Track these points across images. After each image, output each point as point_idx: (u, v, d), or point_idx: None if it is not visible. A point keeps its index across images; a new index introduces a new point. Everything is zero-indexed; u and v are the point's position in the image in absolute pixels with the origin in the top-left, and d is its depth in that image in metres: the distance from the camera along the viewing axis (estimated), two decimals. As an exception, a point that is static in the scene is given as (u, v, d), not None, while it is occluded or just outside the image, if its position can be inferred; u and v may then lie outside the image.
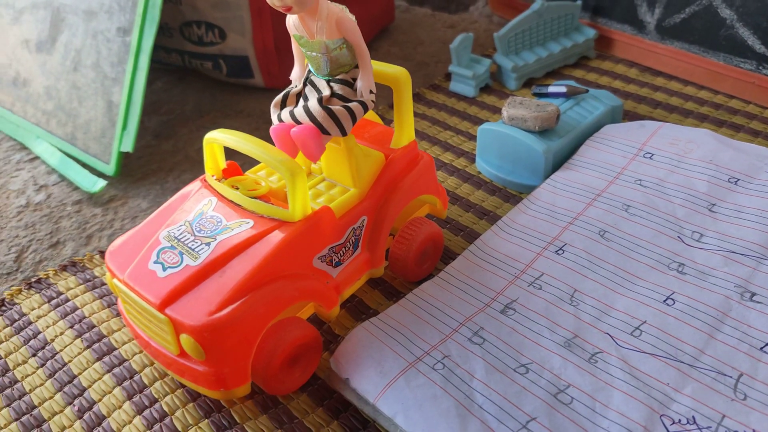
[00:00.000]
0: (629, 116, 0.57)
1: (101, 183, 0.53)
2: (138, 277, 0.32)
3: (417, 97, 0.63)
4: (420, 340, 0.35)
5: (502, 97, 0.61)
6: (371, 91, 0.35)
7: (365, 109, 0.34)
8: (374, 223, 0.38)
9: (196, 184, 0.37)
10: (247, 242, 0.33)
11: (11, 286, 0.45)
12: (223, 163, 0.37)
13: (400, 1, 0.83)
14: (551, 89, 0.53)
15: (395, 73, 0.38)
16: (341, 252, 0.36)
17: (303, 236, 0.33)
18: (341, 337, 0.38)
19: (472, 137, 0.56)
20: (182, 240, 0.33)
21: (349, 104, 0.34)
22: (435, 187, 0.42)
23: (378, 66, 0.38)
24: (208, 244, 0.33)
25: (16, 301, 0.43)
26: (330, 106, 0.34)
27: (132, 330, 0.35)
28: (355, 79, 0.35)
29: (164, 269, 0.32)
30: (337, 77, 0.34)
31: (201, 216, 0.35)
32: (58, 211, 0.52)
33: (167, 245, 0.33)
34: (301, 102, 0.35)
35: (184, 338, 0.30)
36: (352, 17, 0.32)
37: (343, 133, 0.34)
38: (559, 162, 0.49)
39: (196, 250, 0.33)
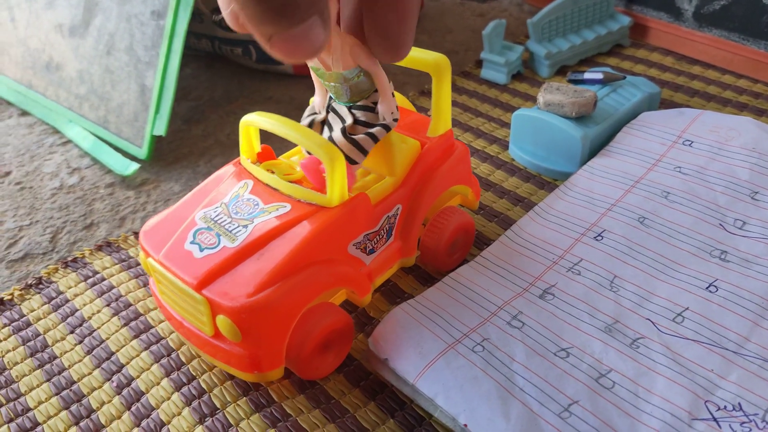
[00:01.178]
0: (665, 105, 0.56)
1: (134, 166, 0.53)
2: (174, 257, 0.32)
3: (448, 84, 0.63)
4: (458, 322, 0.35)
5: (534, 85, 0.61)
6: (394, 118, 0.35)
7: (388, 130, 0.34)
8: (408, 212, 0.38)
9: (230, 167, 0.37)
10: (285, 226, 0.32)
11: (47, 265, 0.45)
12: (258, 147, 0.37)
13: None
14: (587, 75, 0.52)
15: (435, 59, 0.37)
16: (375, 239, 0.36)
17: (340, 222, 0.33)
18: (376, 320, 0.38)
19: (504, 124, 0.56)
20: (219, 221, 0.33)
21: (372, 130, 0.34)
22: (469, 178, 0.42)
23: (416, 52, 0.37)
24: (245, 226, 0.33)
25: (53, 279, 0.43)
26: (354, 136, 0.34)
27: (164, 310, 0.35)
28: (376, 104, 0.34)
29: (201, 250, 0.32)
30: (359, 103, 0.34)
31: (237, 198, 0.35)
32: (92, 194, 0.52)
33: (204, 226, 0.33)
34: (326, 132, 0.35)
35: (221, 319, 0.30)
36: (366, 48, 0.31)
37: (365, 155, 0.34)
38: (595, 149, 0.48)
39: (234, 231, 0.32)
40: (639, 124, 0.49)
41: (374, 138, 0.34)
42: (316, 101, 0.37)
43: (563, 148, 0.48)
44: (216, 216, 0.34)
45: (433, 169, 0.38)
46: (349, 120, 0.34)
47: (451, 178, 0.40)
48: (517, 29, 0.71)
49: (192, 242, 0.33)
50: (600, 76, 0.52)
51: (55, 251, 0.47)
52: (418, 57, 0.37)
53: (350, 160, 0.34)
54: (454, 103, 0.59)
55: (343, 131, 0.34)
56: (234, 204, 0.34)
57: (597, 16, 0.64)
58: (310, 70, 0.34)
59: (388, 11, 0.29)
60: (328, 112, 0.36)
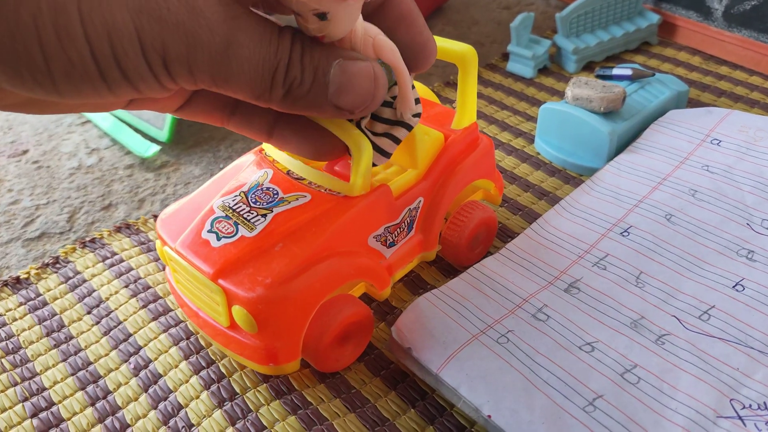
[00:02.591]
0: (692, 104, 0.55)
1: (155, 148, 0.53)
2: (191, 246, 0.32)
3: (472, 77, 0.62)
4: (483, 313, 0.34)
5: (560, 80, 0.60)
6: (414, 113, 0.31)
7: (409, 129, 0.32)
8: (430, 205, 0.37)
9: (251, 156, 0.37)
10: (305, 216, 0.32)
11: (64, 245, 0.45)
12: None
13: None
14: (615, 71, 0.51)
15: (462, 50, 0.36)
16: (396, 232, 0.36)
17: (361, 213, 0.33)
18: (398, 310, 0.38)
19: (530, 118, 0.55)
20: (237, 210, 0.32)
21: (392, 131, 0.31)
22: (492, 172, 0.41)
23: (443, 42, 0.36)
24: (264, 215, 0.32)
25: (71, 259, 0.43)
26: (372, 134, 0.31)
27: (178, 299, 0.35)
28: (395, 98, 0.31)
29: (218, 239, 0.31)
30: None
31: (257, 187, 0.34)
32: (110, 175, 0.52)
33: (222, 215, 0.32)
34: None
35: (237, 310, 0.30)
36: (389, 41, 0.29)
37: (388, 157, 0.32)
38: (622, 145, 0.48)
39: (252, 221, 0.32)
40: (667, 122, 0.49)
41: (395, 139, 0.32)
42: None
43: (590, 143, 0.47)
44: (234, 204, 0.33)
45: (456, 163, 0.38)
46: (366, 118, 0.32)
47: (474, 171, 0.39)
48: (543, 23, 0.70)
49: (209, 231, 0.32)
50: (629, 72, 0.51)
51: (72, 231, 0.46)
52: (445, 47, 0.36)
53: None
54: (480, 96, 0.58)
55: (357, 125, 0.31)
56: (253, 193, 0.33)
57: (625, 12, 0.63)
58: None
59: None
60: None
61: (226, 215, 0.32)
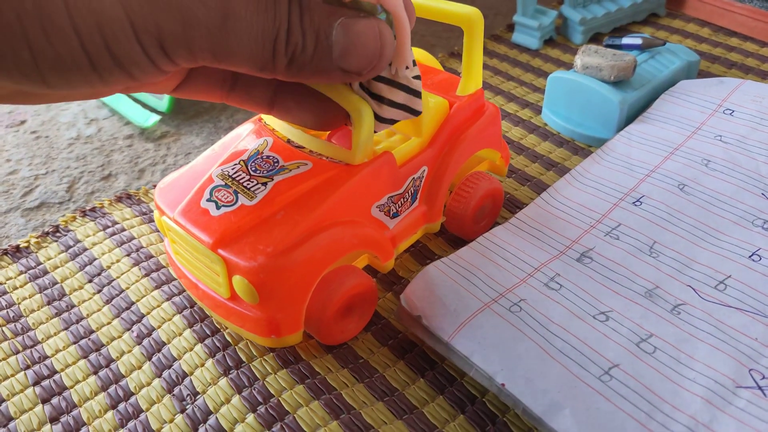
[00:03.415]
0: (702, 75, 0.54)
1: (155, 117, 0.52)
2: (190, 215, 0.30)
3: (478, 48, 0.61)
4: (494, 282, 0.33)
5: (566, 51, 0.59)
6: (408, 67, 0.28)
7: (412, 92, 0.29)
8: (434, 175, 0.36)
9: (249, 125, 0.35)
10: (307, 184, 0.31)
11: (64, 214, 0.44)
12: None
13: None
14: (625, 41, 0.50)
15: (468, 13, 0.35)
16: (400, 202, 0.35)
17: (364, 182, 0.32)
18: (405, 280, 0.37)
19: (536, 89, 0.54)
20: (237, 179, 0.31)
21: (389, 96, 0.29)
22: (499, 141, 0.40)
23: (447, 5, 0.35)
24: (264, 183, 0.31)
25: (71, 227, 0.42)
26: (370, 96, 0.29)
27: (177, 270, 0.34)
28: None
29: (218, 207, 0.30)
30: None
31: (257, 155, 0.33)
32: (110, 145, 0.51)
33: (221, 183, 0.31)
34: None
35: (237, 280, 0.29)
36: None
37: (390, 123, 0.31)
38: (632, 115, 0.47)
39: (252, 189, 0.31)
40: (678, 92, 0.48)
41: (394, 105, 0.29)
42: None
43: (600, 112, 0.46)
44: (234, 173, 0.32)
45: (461, 131, 0.37)
46: None
47: (480, 140, 0.38)
48: (547, -4, 0.69)
49: (209, 200, 0.31)
50: (639, 41, 0.50)
51: (71, 201, 0.45)
52: (449, 10, 0.35)
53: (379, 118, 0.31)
54: (485, 67, 0.57)
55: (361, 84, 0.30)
56: (253, 161, 0.32)
57: (633, -18, 0.62)
58: None
59: None
60: None
61: (226, 184, 0.31)
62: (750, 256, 0.35)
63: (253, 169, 0.32)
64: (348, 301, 0.32)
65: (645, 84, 0.47)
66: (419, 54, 0.41)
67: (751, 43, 0.58)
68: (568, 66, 0.57)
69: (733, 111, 0.45)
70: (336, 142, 0.35)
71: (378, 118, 0.30)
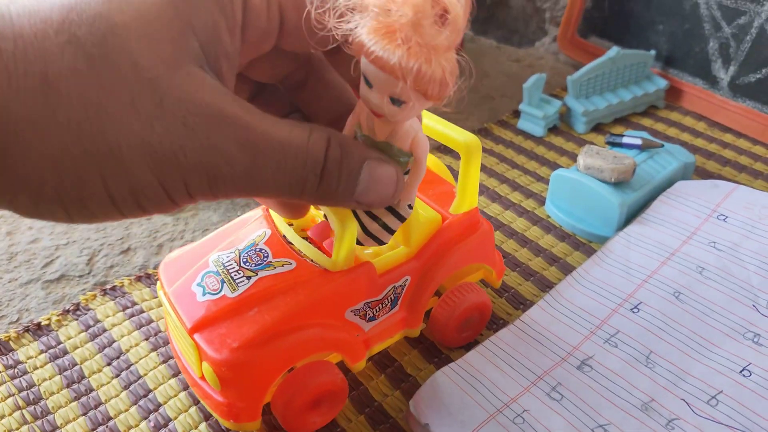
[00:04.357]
0: (698, 172, 0.57)
1: (173, 193, 0.53)
2: (180, 295, 0.34)
3: (485, 132, 0.63)
4: (499, 390, 0.35)
5: (569, 140, 0.62)
6: (409, 206, 0.31)
7: (402, 221, 0.32)
8: (418, 285, 0.37)
9: (258, 212, 0.38)
10: (286, 285, 0.33)
11: (84, 289, 0.46)
12: None
13: (467, 30, 0.83)
14: (626, 140, 0.53)
15: (466, 141, 0.36)
16: (377, 308, 0.36)
17: (340, 288, 0.33)
18: (412, 378, 0.38)
19: (540, 178, 0.56)
20: (228, 268, 0.34)
21: (385, 219, 0.31)
22: (491, 257, 0.40)
23: (448, 130, 0.36)
24: (249, 278, 0.33)
25: (91, 306, 0.43)
26: (367, 221, 0.32)
27: (170, 337, 0.37)
28: None
29: (203, 294, 0.33)
30: None
31: (252, 246, 0.35)
32: (129, 217, 0.53)
33: (213, 270, 0.34)
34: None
35: (205, 366, 0.32)
36: (426, 139, 0.29)
37: (381, 244, 0.33)
38: (631, 214, 0.49)
39: (237, 281, 0.33)
40: (675, 194, 0.50)
41: (389, 229, 0.32)
42: None
43: (601, 212, 0.48)
44: (227, 261, 0.34)
45: (450, 245, 0.37)
46: None
47: (470, 255, 0.39)
48: (552, 79, 0.72)
49: (198, 284, 0.34)
50: (638, 141, 0.53)
51: (91, 275, 0.47)
52: (449, 135, 0.36)
53: (359, 242, 0.33)
54: (491, 153, 0.60)
55: (356, 215, 0.32)
56: (246, 252, 0.35)
57: (634, 76, 0.64)
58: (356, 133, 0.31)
59: None
60: None
61: (217, 271, 0.34)
62: (741, 371, 0.37)
63: (244, 260, 0.34)
64: (316, 396, 0.34)
65: (644, 185, 0.50)
66: (430, 160, 0.43)
67: (745, 140, 0.61)
68: (571, 154, 0.59)
69: (727, 217, 0.48)
70: (314, 236, 0.36)
71: (367, 233, 0.32)
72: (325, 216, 0.35)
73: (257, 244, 0.35)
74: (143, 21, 0.22)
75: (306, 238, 0.36)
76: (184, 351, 0.34)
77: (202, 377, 0.33)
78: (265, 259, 0.34)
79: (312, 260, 0.34)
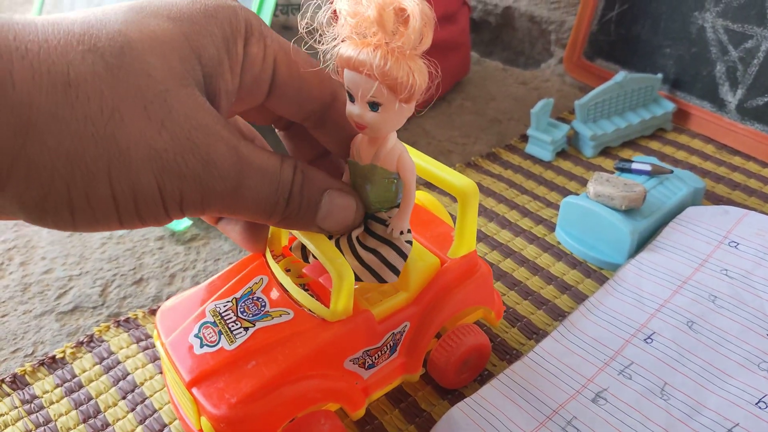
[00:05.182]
0: (707, 195, 0.57)
1: (187, 222, 0.54)
2: (177, 347, 0.33)
3: (493, 157, 0.64)
4: (515, 425, 0.35)
5: (577, 164, 0.62)
6: (402, 232, 0.32)
7: (401, 253, 0.32)
8: (417, 330, 0.37)
9: (253, 258, 0.38)
10: (283, 336, 0.33)
11: (98, 321, 0.46)
12: (285, 240, 0.38)
13: (473, 53, 0.84)
14: (635, 166, 0.53)
15: (462, 186, 0.35)
16: (376, 355, 0.36)
17: (338, 338, 0.33)
18: (426, 413, 0.38)
19: (549, 204, 0.57)
20: (225, 318, 0.34)
21: (380, 251, 0.32)
22: (490, 299, 0.40)
23: (445, 174, 0.36)
24: (246, 329, 0.33)
25: (105, 338, 0.44)
26: (363, 253, 0.32)
27: (167, 385, 0.37)
28: (391, 218, 0.32)
29: (201, 346, 0.33)
30: (375, 213, 0.32)
31: (249, 295, 0.35)
32: (141, 246, 0.53)
33: (210, 320, 0.34)
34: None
35: (204, 421, 0.31)
36: (412, 161, 0.31)
37: (382, 281, 0.33)
38: (642, 241, 0.49)
39: (234, 332, 0.33)
40: (685, 221, 0.50)
41: (387, 263, 0.32)
42: None
43: (611, 239, 0.49)
44: (224, 311, 0.34)
45: (449, 289, 0.37)
46: (360, 227, 0.33)
47: (469, 299, 0.38)
48: (558, 102, 0.72)
49: (195, 335, 0.34)
50: (648, 168, 0.53)
51: (105, 306, 0.47)
52: (447, 179, 0.35)
53: (357, 278, 0.32)
54: (500, 178, 0.60)
55: (349, 239, 0.32)
56: (243, 301, 0.35)
57: (642, 100, 0.65)
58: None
59: None
60: None
61: (214, 321, 0.34)
62: (756, 403, 0.37)
63: (241, 309, 0.34)
64: None
65: (654, 212, 0.50)
66: (426, 199, 0.43)
67: (754, 163, 0.61)
68: (580, 179, 0.59)
69: (738, 244, 0.48)
70: (309, 273, 0.36)
71: (364, 264, 0.32)
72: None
73: (254, 293, 0.35)
74: (157, 41, 0.25)
75: (303, 285, 0.35)
76: (183, 403, 0.34)
77: (200, 430, 0.33)
78: (262, 308, 0.34)
79: (309, 310, 0.34)
